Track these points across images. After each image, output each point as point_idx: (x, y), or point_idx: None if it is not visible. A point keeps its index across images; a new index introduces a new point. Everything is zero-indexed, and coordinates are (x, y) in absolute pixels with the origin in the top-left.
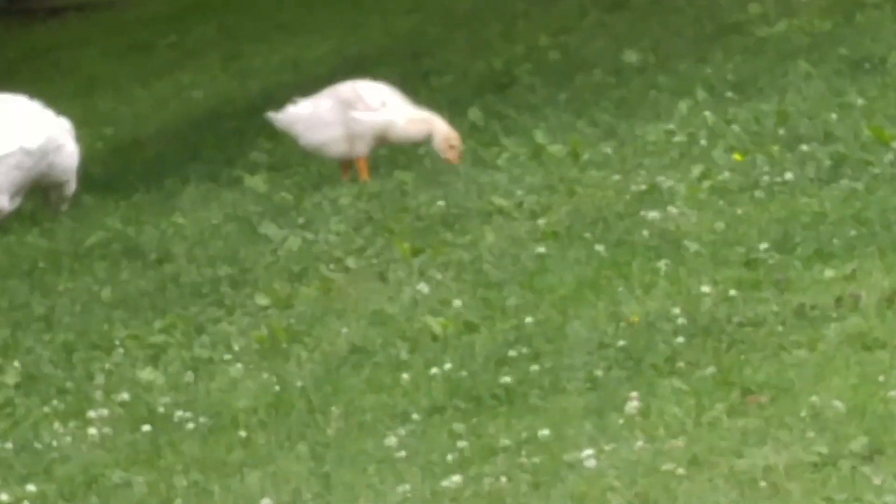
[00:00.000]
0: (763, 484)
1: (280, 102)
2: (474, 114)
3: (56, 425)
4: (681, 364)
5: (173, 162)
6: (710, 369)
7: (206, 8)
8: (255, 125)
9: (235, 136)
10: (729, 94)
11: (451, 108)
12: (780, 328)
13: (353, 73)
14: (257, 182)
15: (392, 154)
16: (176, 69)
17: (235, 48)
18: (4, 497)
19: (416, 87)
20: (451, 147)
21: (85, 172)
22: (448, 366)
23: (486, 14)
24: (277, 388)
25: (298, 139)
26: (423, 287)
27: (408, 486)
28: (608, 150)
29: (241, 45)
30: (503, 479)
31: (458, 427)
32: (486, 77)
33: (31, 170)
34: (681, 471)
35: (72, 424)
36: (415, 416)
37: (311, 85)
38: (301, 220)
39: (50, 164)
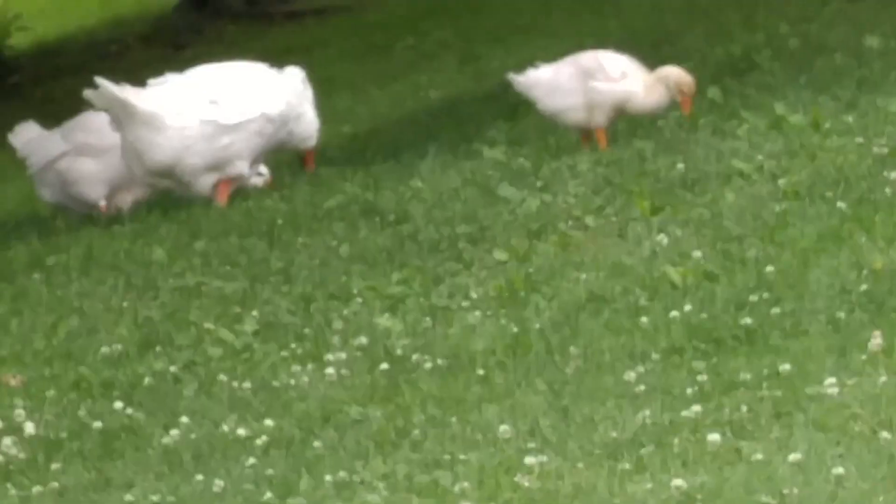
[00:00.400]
0: None
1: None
2: (713, 92)
3: (294, 367)
4: None
5: (410, 142)
6: None
7: (442, 11)
8: (491, 110)
9: (472, 119)
10: None
11: None
12: None
13: None
14: (496, 153)
15: (630, 124)
16: (412, 71)
17: (471, 50)
18: (242, 431)
19: None
20: (682, 92)
21: (323, 155)
22: (688, 308)
23: (726, 4)
24: (515, 330)
25: (536, 104)
26: (663, 239)
27: (647, 413)
28: (849, 119)
29: (478, 47)
30: (744, 408)
31: (698, 365)
32: (725, 63)
33: (272, 137)
34: None
35: (309, 366)
36: (654, 356)
37: None
38: (539, 184)
39: (290, 132)
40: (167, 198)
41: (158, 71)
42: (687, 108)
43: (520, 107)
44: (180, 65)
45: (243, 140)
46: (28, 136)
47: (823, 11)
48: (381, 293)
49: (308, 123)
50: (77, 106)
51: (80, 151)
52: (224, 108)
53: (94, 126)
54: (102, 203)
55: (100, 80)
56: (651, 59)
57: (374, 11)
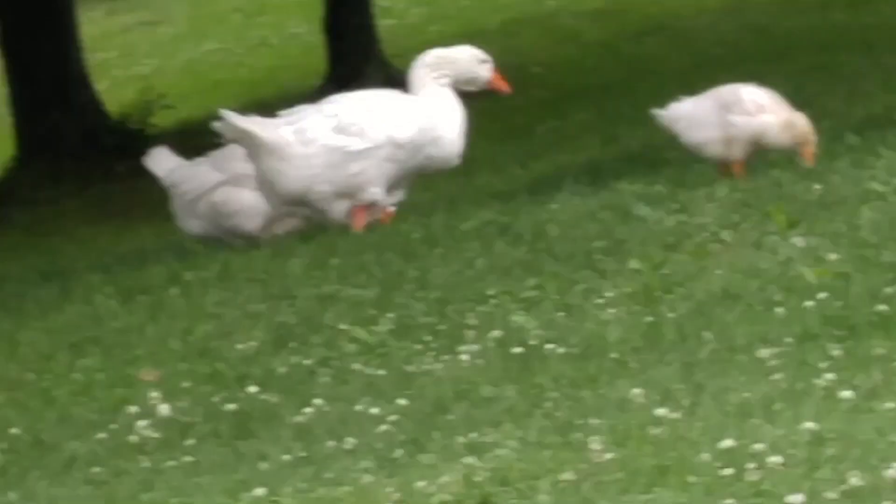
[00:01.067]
0: None
1: None
2: (851, 139)
3: (428, 357)
4: None
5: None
6: None
7: (584, 95)
8: (630, 166)
9: (611, 174)
10: None
11: (829, 138)
12: None
13: None
14: (634, 186)
15: (768, 158)
16: (555, 150)
17: (614, 130)
18: (375, 410)
19: None
20: (803, 143)
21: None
22: (822, 297)
23: (866, 69)
24: (650, 320)
25: (679, 137)
26: (799, 242)
27: (780, 378)
28: None
29: (620, 128)
30: (877, 376)
31: (833, 346)
32: (865, 120)
33: (406, 163)
34: None
35: (444, 357)
36: (788, 339)
37: None
38: (676, 206)
39: (428, 156)
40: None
41: None
42: (809, 158)
43: (658, 164)
44: None
45: (373, 166)
46: (168, 164)
47: None
48: (516, 296)
49: (448, 145)
50: None
51: (237, 182)
52: (351, 134)
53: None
54: (258, 235)
55: (224, 112)
56: None
57: (515, 96)
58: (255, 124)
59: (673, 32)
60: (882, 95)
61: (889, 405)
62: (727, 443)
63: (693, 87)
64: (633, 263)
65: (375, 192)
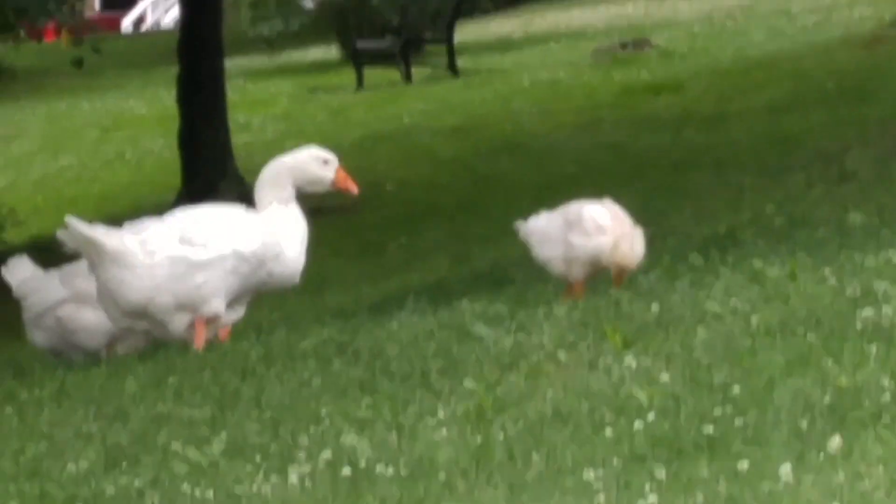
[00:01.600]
0: None
1: None
2: (694, 258)
3: (258, 479)
4: (887, 419)
5: (389, 302)
6: None
7: (437, 212)
8: (476, 286)
9: (456, 294)
10: None
11: (672, 258)
12: None
13: None
14: (474, 305)
15: (608, 278)
16: (405, 269)
17: (465, 250)
18: None
19: None
20: (619, 267)
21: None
22: (651, 418)
23: (714, 188)
24: (479, 439)
25: (532, 250)
26: (632, 364)
27: (602, 499)
28: (826, 271)
29: (471, 247)
30: (699, 497)
31: (658, 468)
32: (709, 239)
33: (249, 277)
34: (880, 496)
35: (274, 479)
36: (615, 462)
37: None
38: (514, 326)
39: (269, 272)
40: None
41: None
42: (617, 283)
43: (504, 283)
44: None
45: (217, 278)
46: (23, 274)
47: (809, 193)
48: (350, 416)
49: (290, 263)
50: None
51: (81, 299)
52: (195, 245)
53: None
54: (102, 352)
55: (70, 220)
56: None
57: (369, 213)
58: (98, 233)
59: (528, 150)
60: (728, 214)
61: None
62: None
63: (546, 204)
64: (468, 383)
65: (217, 305)
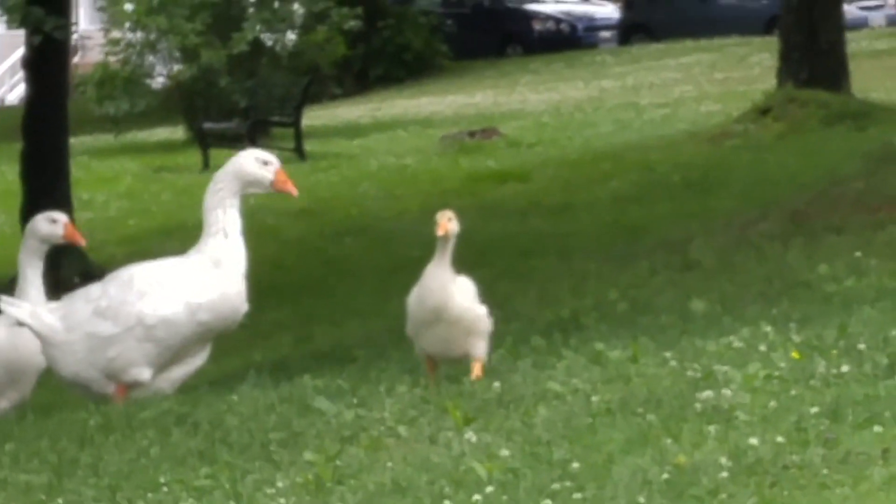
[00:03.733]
0: None
1: None
2: (537, 341)
3: None
4: (724, 496)
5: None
6: (753, 500)
7: (282, 292)
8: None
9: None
10: (792, 325)
11: (515, 339)
12: (825, 471)
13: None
14: (316, 381)
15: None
16: (247, 348)
17: (308, 330)
18: None
19: None
20: None
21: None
22: (490, 490)
23: (557, 274)
24: None
25: None
26: (472, 438)
27: None
28: (667, 354)
29: (314, 327)
30: None
31: None
32: (552, 322)
33: (168, 339)
34: None
35: None
36: None
37: None
38: (356, 401)
39: (201, 322)
40: None
41: None
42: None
43: (346, 361)
44: None
45: (130, 349)
46: None
47: (652, 280)
48: (189, 484)
49: (232, 300)
50: None
51: None
52: (106, 318)
53: None
54: None
55: (2, 298)
56: None
57: None
58: (25, 313)
59: (374, 233)
60: (571, 299)
61: None
62: None
63: (390, 287)
64: (308, 455)
65: (136, 374)
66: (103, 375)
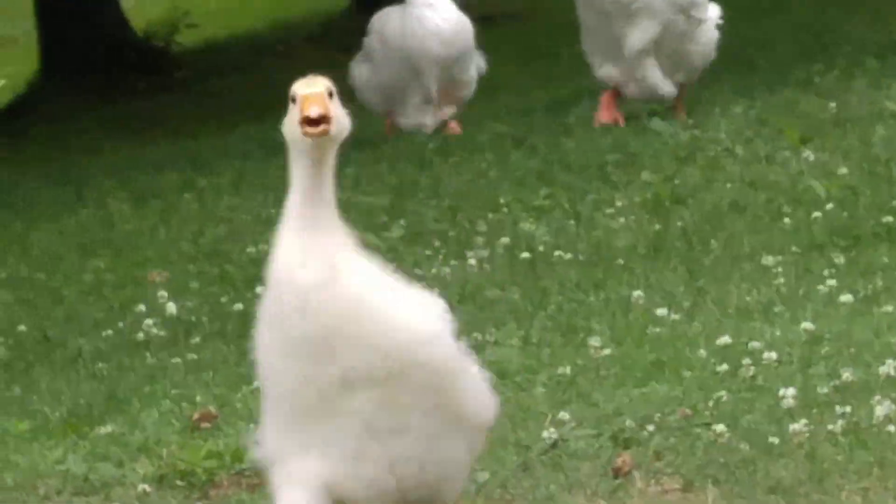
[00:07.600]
0: None
1: None
2: (870, 63)
3: (437, 262)
4: None
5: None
6: None
7: None
8: None
9: None
10: None
11: (848, 63)
12: None
13: None
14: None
15: (788, 75)
16: (578, 76)
17: None
18: None
19: None
20: None
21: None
22: (830, 207)
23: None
24: (658, 227)
25: None
26: (810, 157)
27: (781, 282)
28: None
29: None
30: (879, 283)
31: (837, 255)
32: (886, 45)
33: None
34: None
35: (453, 262)
36: (793, 249)
37: None
38: (691, 122)
39: None
40: None
41: (323, 71)
42: None
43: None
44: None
45: None
46: None
47: None
48: (528, 205)
49: None
50: (237, 103)
51: None
52: None
53: None
54: None
55: None
56: (814, 47)
57: (541, 19)
58: None
59: None
60: None
61: (887, 308)
62: (724, 340)
63: None
64: (645, 175)
65: None
66: None
